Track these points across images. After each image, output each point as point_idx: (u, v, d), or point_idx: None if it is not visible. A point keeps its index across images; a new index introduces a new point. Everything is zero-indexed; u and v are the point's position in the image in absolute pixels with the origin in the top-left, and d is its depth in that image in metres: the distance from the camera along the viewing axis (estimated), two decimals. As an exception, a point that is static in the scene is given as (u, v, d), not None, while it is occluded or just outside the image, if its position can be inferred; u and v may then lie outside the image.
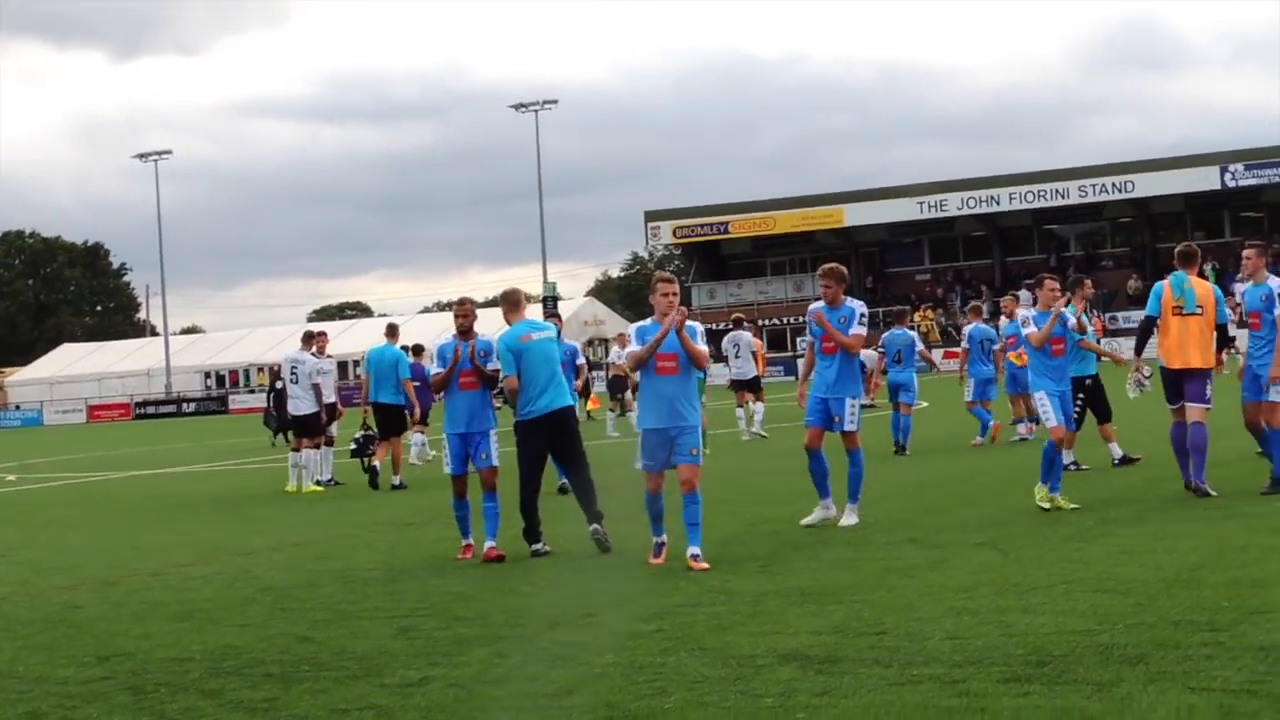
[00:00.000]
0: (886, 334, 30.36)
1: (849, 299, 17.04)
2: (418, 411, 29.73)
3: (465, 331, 16.59)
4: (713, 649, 10.46)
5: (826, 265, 17.41)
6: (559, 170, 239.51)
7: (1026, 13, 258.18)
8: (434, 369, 16.87)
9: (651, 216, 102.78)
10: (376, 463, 28.13)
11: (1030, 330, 17.52)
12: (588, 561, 15.51)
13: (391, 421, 28.24)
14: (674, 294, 14.89)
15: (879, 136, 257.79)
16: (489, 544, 16.09)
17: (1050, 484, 17.16)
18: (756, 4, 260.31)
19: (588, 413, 48.21)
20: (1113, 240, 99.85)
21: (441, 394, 16.76)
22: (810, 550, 15.10)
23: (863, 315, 17.02)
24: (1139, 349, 18.34)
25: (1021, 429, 28.18)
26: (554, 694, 9.39)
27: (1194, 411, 17.39)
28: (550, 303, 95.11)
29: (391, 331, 29.34)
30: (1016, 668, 9.16)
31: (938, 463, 24.90)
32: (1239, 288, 17.51)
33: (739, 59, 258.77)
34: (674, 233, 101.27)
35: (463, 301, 17.15)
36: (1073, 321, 18.53)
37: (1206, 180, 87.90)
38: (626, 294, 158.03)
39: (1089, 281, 22.36)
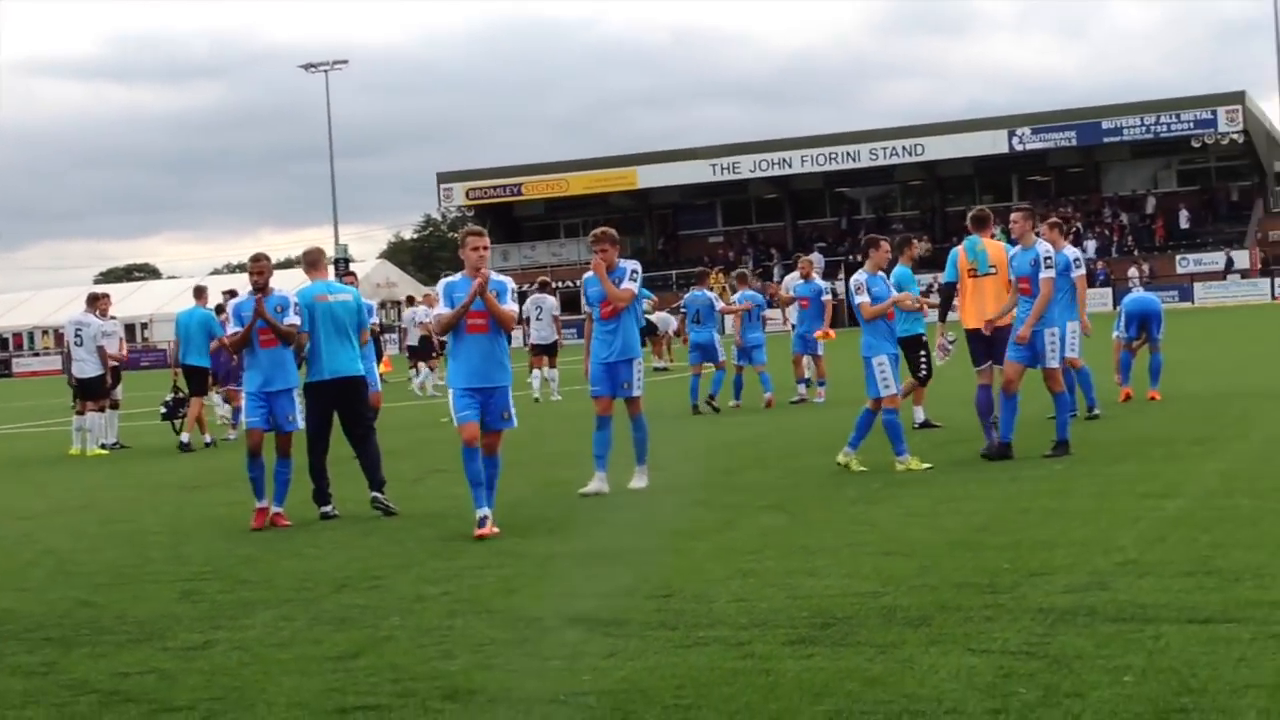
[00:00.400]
0: (688, 295, 30.43)
1: (621, 259, 16.98)
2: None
3: (261, 288, 16.12)
4: (500, 612, 10.43)
5: (598, 230, 17.27)
6: (351, 131, 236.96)
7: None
8: (231, 329, 16.32)
9: (444, 178, 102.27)
10: (178, 423, 28.12)
11: (863, 299, 17.44)
12: (375, 524, 15.41)
13: (202, 382, 28.07)
14: (484, 248, 14.44)
15: (673, 99, 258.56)
16: (275, 509, 15.88)
17: (853, 443, 17.44)
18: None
19: (380, 376, 47.70)
20: (903, 203, 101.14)
21: (240, 353, 16.47)
22: (599, 513, 15.12)
23: (634, 272, 16.90)
24: (942, 316, 18.92)
25: (802, 389, 28.45)
26: (339, 657, 9.32)
27: (1003, 372, 17.73)
28: (342, 265, 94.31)
29: (199, 293, 28.84)
30: (802, 630, 9.23)
31: (728, 425, 25.02)
32: (1009, 251, 17.74)
33: (534, 20, 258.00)
34: (467, 194, 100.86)
35: (258, 257, 16.47)
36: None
37: (994, 144, 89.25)
38: (419, 256, 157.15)
39: (915, 240, 22.43)
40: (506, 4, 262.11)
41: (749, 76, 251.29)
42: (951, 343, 18.82)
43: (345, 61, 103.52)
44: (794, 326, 30.15)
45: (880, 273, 17.96)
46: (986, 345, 18.03)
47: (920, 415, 22.08)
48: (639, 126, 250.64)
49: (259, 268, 16.28)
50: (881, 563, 11.34)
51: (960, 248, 18.68)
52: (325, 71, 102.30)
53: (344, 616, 10.63)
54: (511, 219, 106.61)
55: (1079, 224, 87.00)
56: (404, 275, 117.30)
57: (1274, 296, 77.00)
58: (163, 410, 29.60)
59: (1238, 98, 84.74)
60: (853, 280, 17.85)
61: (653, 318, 48.36)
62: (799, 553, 12.06)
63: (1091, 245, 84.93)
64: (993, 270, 18.15)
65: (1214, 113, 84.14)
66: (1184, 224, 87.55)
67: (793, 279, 30.91)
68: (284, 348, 16.10)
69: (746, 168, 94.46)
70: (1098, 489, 14.50)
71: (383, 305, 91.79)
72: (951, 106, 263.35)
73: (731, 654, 8.76)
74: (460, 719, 7.83)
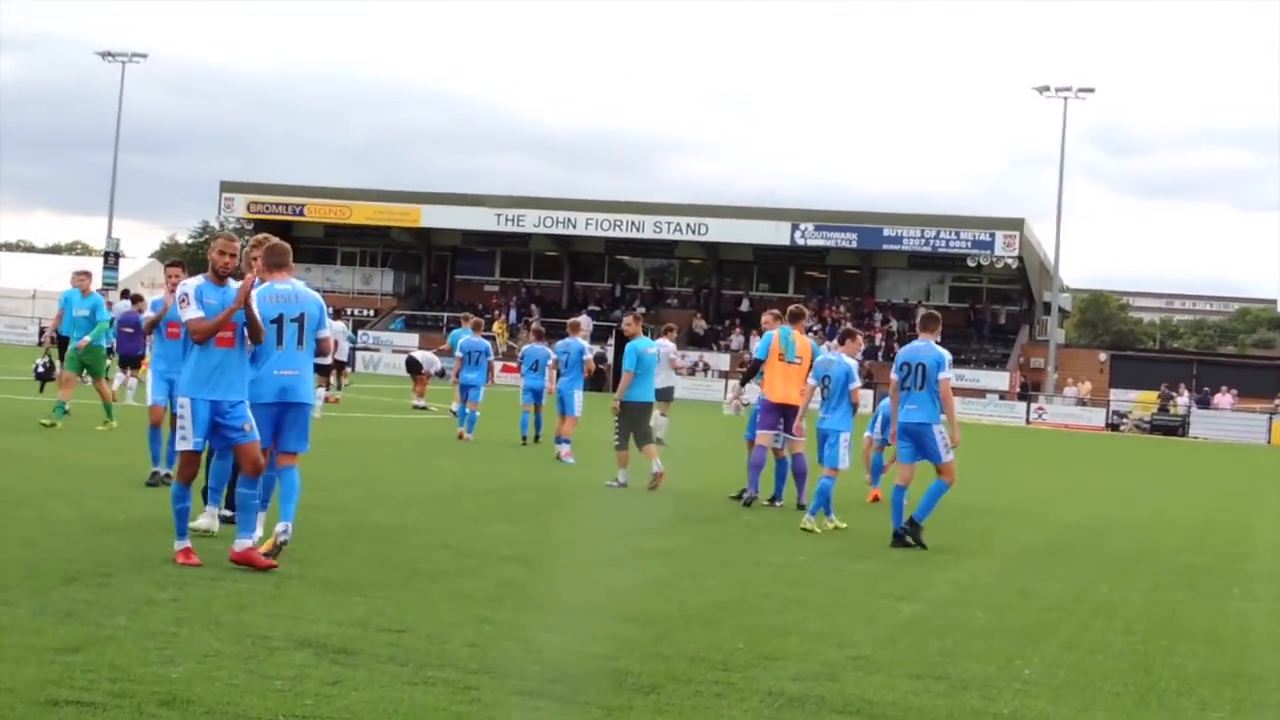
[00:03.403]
0: (529, 347, 32.06)
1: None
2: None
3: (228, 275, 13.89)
4: (228, 625, 10.27)
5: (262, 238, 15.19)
6: (142, 126, 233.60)
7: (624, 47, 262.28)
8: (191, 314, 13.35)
9: (227, 187, 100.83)
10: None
11: (856, 385, 19.82)
12: (112, 522, 15.12)
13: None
14: (233, 254, 13.47)
15: (470, 143, 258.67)
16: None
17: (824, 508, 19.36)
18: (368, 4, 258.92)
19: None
20: (681, 279, 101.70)
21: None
22: (341, 542, 14.96)
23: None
24: (743, 383, 22.86)
25: (563, 448, 28.56)
26: (59, 649, 9.10)
27: (796, 445, 21.49)
28: (111, 258, 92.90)
29: (83, 276, 29.87)
30: (531, 682, 9.19)
31: (479, 470, 24.89)
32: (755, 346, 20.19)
33: (340, 46, 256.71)
34: (248, 207, 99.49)
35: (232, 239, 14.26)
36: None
37: (777, 234, 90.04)
38: (191, 261, 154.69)
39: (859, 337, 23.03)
40: (312, 33, 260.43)
41: (551, 135, 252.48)
42: (745, 405, 20.99)
43: (145, 55, 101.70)
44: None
45: (855, 360, 20.13)
46: (776, 417, 21.34)
47: (623, 477, 23.26)
48: (432, 164, 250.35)
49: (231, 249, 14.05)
50: (618, 627, 11.34)
51: (775, 333, 21.76)
52: (123, 63, 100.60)
53: (69, 610, 10.39)
54: (289, 239, 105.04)
55: (849, 323, 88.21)
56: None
57: (1028, 421, 78.59)
58: (39, 371, 32.16)
59: (1016, 224, 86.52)
60: (851, 365, 19.92)
61: (418, 355, 48.21)
62: (536, 607, 12.05)
63: (830, 346, 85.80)
64: (799, 360, 21.43)
65: (993, 235, 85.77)
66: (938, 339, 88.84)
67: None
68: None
69: (530, 222, 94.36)
70: (839, 584, 14.66)
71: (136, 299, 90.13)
72: (744, 191, 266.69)
73: (458, 697, 8.70)
74: (175, 727, 7.67)
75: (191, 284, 13.23)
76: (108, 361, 30.11)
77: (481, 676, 9.26)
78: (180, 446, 13.09)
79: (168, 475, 17.34)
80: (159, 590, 11.39)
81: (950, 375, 18.15)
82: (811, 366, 20.84)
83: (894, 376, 18.41)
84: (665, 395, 36.17)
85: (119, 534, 14.36)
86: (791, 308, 22.64)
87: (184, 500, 12.99)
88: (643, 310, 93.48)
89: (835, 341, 20.74)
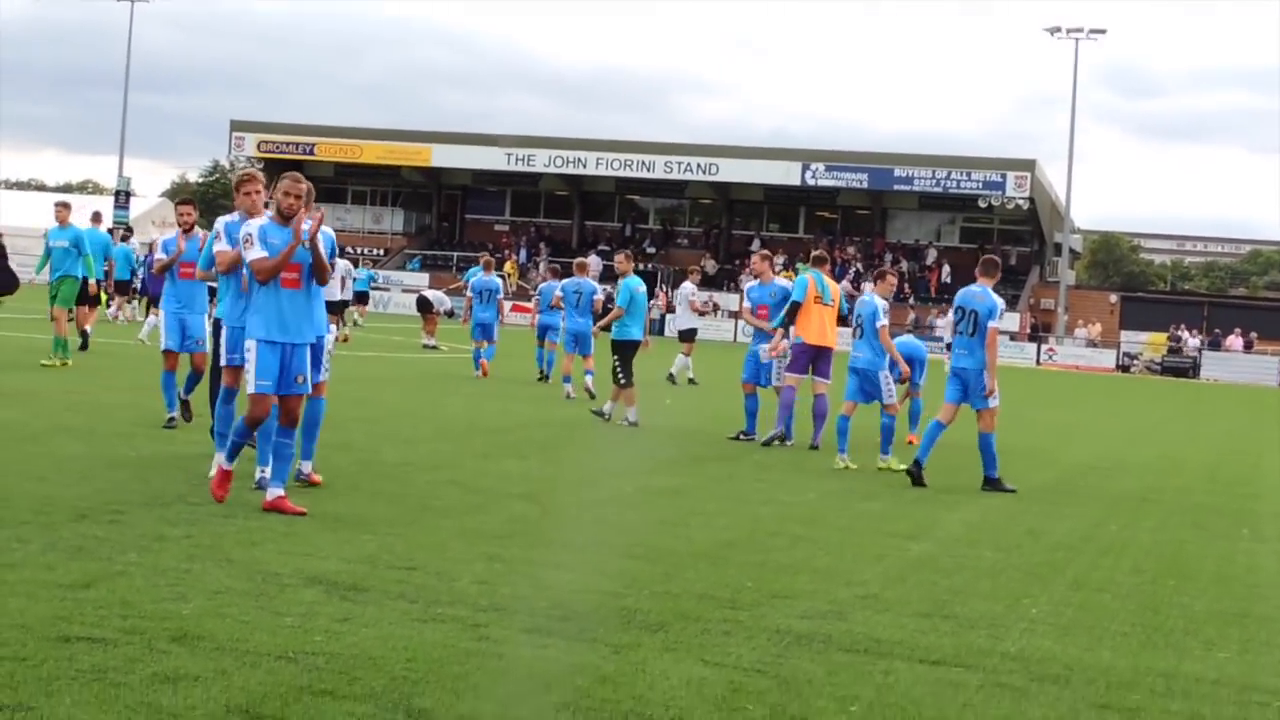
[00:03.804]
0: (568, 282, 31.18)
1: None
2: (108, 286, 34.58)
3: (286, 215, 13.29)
4: (239, 562, 10.30)
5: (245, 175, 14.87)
6: (152, 65, 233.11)
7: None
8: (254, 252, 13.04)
9: (237, 126, 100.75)
10: (87, 326, 31.10)
11: (883, 323, 19.94)
12: (124, 458, 15.17)
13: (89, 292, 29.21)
14: (299, 195, 13.05)
15: (481, 82, 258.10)
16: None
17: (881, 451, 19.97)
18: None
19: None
20: (691, 219, 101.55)
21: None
22: (351, 478, 15.00)
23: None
24: (785, 326, 21.94)
25: (567, 387, 28.61)
26: (70, 585, 9.13)
27: (821, 385, 21.76)
28: (122, 196, 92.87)
29: (96, 217, 33.36)
30: (540, 620, 9.22)
31: (490, 411, 24.91)
32: (746, 285, 20.01)
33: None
34: (258, 146, 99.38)
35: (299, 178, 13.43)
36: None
37: (788, 175, 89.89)
38: (202, 200, 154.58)
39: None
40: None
41: (562, 74, 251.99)
42: (801, 346, 21.66)
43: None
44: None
45: (885, 299, 20.20)
46: (813, 358, 21.70)
47: (632, 415, 23.35)
48: (443, 103, 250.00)
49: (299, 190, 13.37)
50: (626, 565, 11.37)
51: (810, 277, 22.03)
52: (131, 1, 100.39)
53: (80, 546, 10.43)
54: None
55: (859, 265, 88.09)
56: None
57: (1039, 362, 78.59)
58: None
59: (1028, 165, 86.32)
60: (878, 304, 20.11)
61: (428, 295, 48.15)
62: (545, 544, 12.08)
63: (869, 288, 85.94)
64: (832, 303, 21.99)
65: (1004, 176, 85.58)
66: (945, 278, 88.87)
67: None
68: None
69: (541, 161, 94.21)
70: (847, 523, 14.69)
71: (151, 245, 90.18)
72: (756, 131, 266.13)
73: (467, 634, 8.72)
74: (185, 662, 7.69)
75: (255, 224, 12.97)
76: (104, 295, 31.21)
77: (490, 614, 9.29)
78: (247, 390, 12.90)
79: (184, 418, 17.53)
80: (170, 527, 11.43)
81: (999, 324, 18.33)
82: (839, 309, 22.25)
83: (950, 318, 19.01)
84: (688, 335, 36.60)
85: (130, 470, 14.40)
86: (815, 253, 23.34)
87: (247, 436, 12.97)
88: (654, 249, 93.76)
89: (872, 281, 20.88)
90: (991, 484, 18.34)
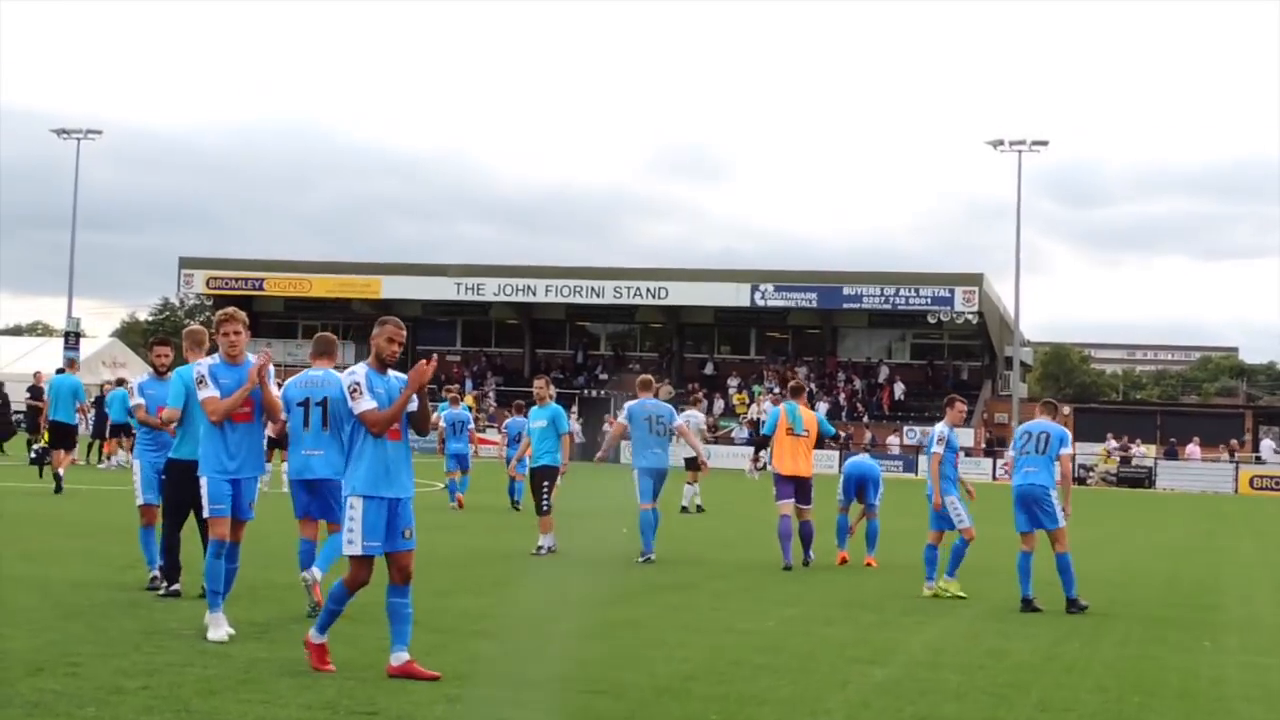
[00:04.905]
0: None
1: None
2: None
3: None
4: (199, 712, 10.21)
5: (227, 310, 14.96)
6: (99, 203, 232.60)
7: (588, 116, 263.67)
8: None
9: (186, 263, 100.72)
10: (60, 470, 32.78)
11: (936, 450, 20.13)
12: (76, 608, 15.03)
13: (64, 436, 34.01)
14: (401, 342, 12.83)
15: (430, 211, 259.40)
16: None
17: (943, 573, 20.20)
18: (324, 67, 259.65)
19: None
20: (642, 344, 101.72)
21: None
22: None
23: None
24: (756, 454, 24.47)
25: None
26: (26, 745, 9.02)
27: (803, 512, 22.80)
28: (72, 338, 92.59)
29: (70, 364, 37.51)
30: (504, 762, 9.14)
31: (446, 541, 24.78)
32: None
33: (300, 116, 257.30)
34: (207, 283, 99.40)
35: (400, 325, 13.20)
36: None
37: (738, 296, 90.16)
38: (154, 339, 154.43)
39: (666, 383, 23.84)
40: (274, 100, 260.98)
41: (510, 199, 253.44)
42: (761, 468, 22.94)
43: (99, 132, 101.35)
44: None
45: (954, 428, 20.43)
46: (790, 487, 22.58)
47: (547, 542, 23.62)
48: (394, 233, 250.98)
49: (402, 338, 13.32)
50: (589, 701, 11.31)
51: (782, 408, 23.12)
52: (78, 139, 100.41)
53: (38, 701, 10.32)
54: (250, 314, 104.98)
55: (813, 385, 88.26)
56: (134, 355, 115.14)
57: (994, 477, 78.68)
58: (32, 456, 37.53)
59: (976, 279, 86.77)
60: (935, 431, 20.41)
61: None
62: (507, 683, 11.98)
63: (824, 407, 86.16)
64: (805, 433, 22.86)
65: (952, 291, 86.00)
66: (899, 395, 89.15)
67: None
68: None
69: (490, 290, 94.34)
70: (809, 649, 14.62)
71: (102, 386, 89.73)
72: (704, 251, 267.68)
73: (431, 780, 8.64)
74: (146, 820, 7.61)
75: (360, 372, 12.43)
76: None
77: (454, 757, 9.21)
78: (349, 552, 12.30)
79: (166, 584, 16.45)
80: (127, 679, 11.31)
81: (1070, 451, 19.21)
82: (819, 437, 23.17)
83: (1013, 449, 19.81)
84: (693, 464, 36.46)
85: (84, 620, 14.27)
86: (792, 384, 24.85)
87: (345, 602, 12.44)
88: (606, 376, 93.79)
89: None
90: (1073, 604, 18.77)
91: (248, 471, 14.09)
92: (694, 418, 37.81)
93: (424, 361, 12.11)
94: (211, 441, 14.03)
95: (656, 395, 24.37)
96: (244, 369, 13.98)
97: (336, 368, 15.76)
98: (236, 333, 14.27)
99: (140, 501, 17.52)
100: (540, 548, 23.50)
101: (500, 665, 12.86)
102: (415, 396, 12.32)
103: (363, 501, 12.20)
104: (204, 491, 14.03)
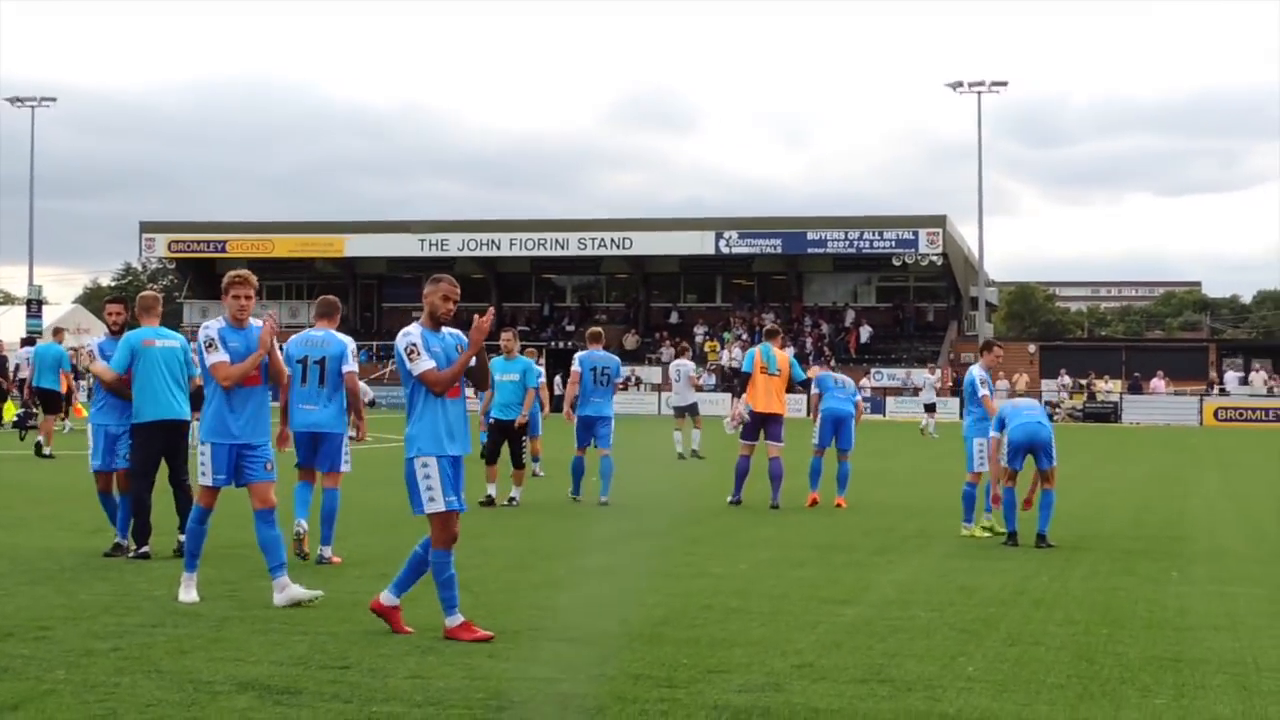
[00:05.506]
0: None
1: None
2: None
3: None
4: (170, 672, 10.20)
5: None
6: (58, 170, 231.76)
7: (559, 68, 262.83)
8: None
9: (147, 228, 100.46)
10: (41, 439, 33.41)
11: (984, 392, 20.46)
12: (45, 573, 15.01)
13: (50, 402, 34.68)
14: (457, 300, 12.55)
15: (395, 169, 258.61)
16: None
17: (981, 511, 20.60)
18: (283, 24, 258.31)
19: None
20: (608, 295, 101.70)
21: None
22: (298, 569, 14.86)
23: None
24: (736, 395, 24.37)
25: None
26: (-3, 708, 9.03)
27: (774, 449, 23.67)
28: (34, 305, 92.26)
29: (55, 332, 37.41)
30: (477, 711, 9.18)
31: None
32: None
33: (260, 76, 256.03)
34: (169, 246, 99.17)
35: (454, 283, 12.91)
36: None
37: (702, 244, 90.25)
38: (108, 298, 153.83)
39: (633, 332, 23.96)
40: (233, 59, 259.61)
41: (474, 153, 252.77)
42: (750, 414, 23.59)
43: (54, 99, 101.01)
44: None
45: (987, 371, 20.83)
46: (762, 425, 23.63)
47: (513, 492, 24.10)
48: (359, 191, 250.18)
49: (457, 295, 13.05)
50: (561, 649, 11.34)
51: (757, 349, 24.16)
52: (32, 107, 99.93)
53: (6, 666, 10.31)
54: (213, 276, 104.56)
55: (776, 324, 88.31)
56: (97, 321, 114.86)
57: (960, 417, 79.00)
58: (15, 420, 39.98)
59: (939, 221, 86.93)
60: (974, 374, 20.71)
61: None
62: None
63: (790, 353, 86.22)
64: (778, 373, 23.79)
65: (915, 234, 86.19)
66: (865, 338, 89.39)
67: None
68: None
69: (455, 246, 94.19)
70: (780, 591, 14.68)
71: (75, 351, 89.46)
72: (669, 201, 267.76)
73: (404, 731, 8.67)
74: (119, 779, 7.62)
75: (416, 333, 12.23)
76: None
77: (426, 709, 9.24)
78: (430, 509, 12.15)
79: (131, 547, 16.37)
80: (97, 641, 11.31)
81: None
82: (790, 378, 24.01)
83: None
84: (692, 410, 37.01)
85: (54, 585, 14.25)
86: (768, 327, 25.83)
87: (449, 569, 12.20)
88: (572, 327, 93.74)
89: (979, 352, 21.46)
90: (1042, 539, 19.08)
91: (254, 437, 13.67)
92: (684, 366, 38.15)
93: (479, 316, 12.06)
94: (216, 407, 13.65)
95: (605, 347, 25.33)
96: (250, 332, 13.75)
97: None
98: (248, 296, 13.93)
99: (93, 467, 17.28)
100: (512, 499, 23.68)
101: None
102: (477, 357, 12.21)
103: (436, 460, 12.06)
104: (205, 459, 13.61)
